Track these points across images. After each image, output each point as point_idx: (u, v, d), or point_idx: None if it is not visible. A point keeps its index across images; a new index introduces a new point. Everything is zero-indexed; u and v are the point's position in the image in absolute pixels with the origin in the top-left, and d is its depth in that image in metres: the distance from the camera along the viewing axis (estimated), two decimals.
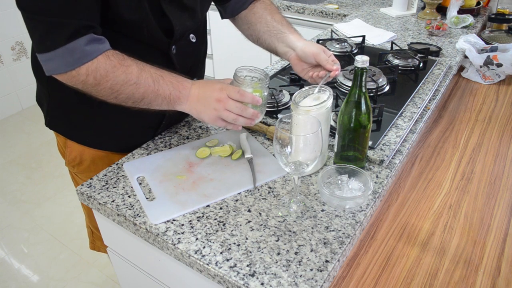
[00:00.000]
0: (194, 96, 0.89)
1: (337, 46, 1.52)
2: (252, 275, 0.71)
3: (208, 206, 0.85)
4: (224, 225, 0.81)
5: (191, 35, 1.04)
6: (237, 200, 0.87)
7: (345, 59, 1.47)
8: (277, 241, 0.77)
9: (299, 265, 0.72)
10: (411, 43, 1.58)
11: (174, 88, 0.88)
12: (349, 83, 1.23)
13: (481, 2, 1.97)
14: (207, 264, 0.73)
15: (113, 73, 0.82)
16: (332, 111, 1.05)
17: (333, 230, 0.79)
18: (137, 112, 0.91)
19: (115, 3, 0.83)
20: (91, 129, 1.05)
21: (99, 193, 0.90)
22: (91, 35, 0.80)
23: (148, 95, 0.86)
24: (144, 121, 1.04)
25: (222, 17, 1.20)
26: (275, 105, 1.14)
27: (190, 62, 1.09)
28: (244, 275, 0.71)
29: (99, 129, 1.05)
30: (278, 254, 0.74)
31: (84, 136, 1.07)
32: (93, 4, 0.80)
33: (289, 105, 1.14)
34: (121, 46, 0.88)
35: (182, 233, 0.79)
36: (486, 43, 1.59)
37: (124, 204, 0.87)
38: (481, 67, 1.47)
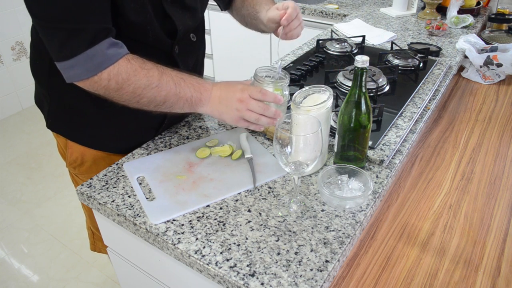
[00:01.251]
0: (215, 97, 0.89)
1: (337, 46, 1.52)
2: (252, 275, 0.71)
3: (208, 206, 0.85)
4: (224, 225, 0.81)
5: (192, 34, 1.05)
6: (237, 200, 0.87)
7: (345, 59, 1.47)
8: (277, 241, 0.77)
9: (299, 265, 0.72)
10: (411, 43, 1.58)
11: (196, 90, 0.88)
12: (349, 83, 1.23)
13: (481, 2, 1.97)
14: (207, 264, 0.73)
15: (134, 77, 0.82)
16: (332, 111, 1.05)
17: (333, 230, 0.79)
18: (139, 113, 0.91)
19: (122, 6, 0.83)
20: (92, 130, 1.05)
21: (99, 193, 0.90)
22: (110, 39, 0.80)
23: (170, 98, 0.86)
24: (145, 121, 1.04)
25: (222, 9, 1.22)
26: None
27: (192, 61, 1.09)
28: (244, 275, 0.71)
29: (101, 130, 1.05)
30: (278, 254, 0.74)
31: (86, 137, 1.07)
32: (107, 7, 0.81)
33: (289, 105, 1.14)
34: (127, 48, 0.88)
35: (182, 233, 0.79)
36: (486, 43, 1.59)
37: (124, 204, 0.87)
38: (481, 67, 1.47)
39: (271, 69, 0.94)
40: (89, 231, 1.31)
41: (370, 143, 0.98)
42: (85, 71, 0.79)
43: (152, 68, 0.85)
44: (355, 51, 1.51)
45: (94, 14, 0.78)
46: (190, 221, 0.82)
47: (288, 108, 1.14)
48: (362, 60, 0.79)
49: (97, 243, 1.31)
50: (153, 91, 0.84)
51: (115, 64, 0.81)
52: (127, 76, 0.82)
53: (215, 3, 1.21)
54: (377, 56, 1.44)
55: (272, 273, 0.71)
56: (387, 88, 1.24)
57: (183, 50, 1.02)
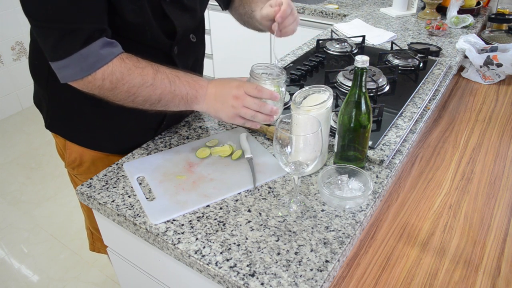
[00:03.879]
0: (211, 94, 0.89)
1: (337, 46, 1.52)
2: (252, 275, 0.71)
3: (208, 206, 0.85)
4: (224, 225, 0.81)
5: (191, 34, 1.04)
6: (237, 200, 0.87)
7: (345, 59, 1.47)
8: (277, 241, 0.77)
9: (299, 265, 0.72)
10: (411, 43, 1.58)
11: (191, 88, 0.88)
12: (349, 83, 1.23)
13: (481, 2, 1.97)
14: (207, 264, 0.73)
15: (129, 76, 0.82)
16: (332, 111, 1.05)
17: (333, 230, 0.79)
18: (137, 113, 0.91)
19: (120, 7, 0.83)
20: (91, 130, 1.05)
21: (99, 193, 0.90)
22: (104, 39, 0.80)
23: (165, 96, 0.86)
24: (144, 122, 1.03)
25: (223, 9, 1.21)
26: None
27: (191, 62, 1.09)
28: (244, 275, 0.71)
29: (100, 131, 1.05)
30: (278, 254, 0.74)
31: (85, 138, 1.07)
32: (103, 7, 0.80)
33: (289, 105, 1.14)
34: (124, 49, 0.87)
35: (182, 233, 0.79)
36: (486, 43, 1.59)
37: (124, 204, 0.87)
38: (481, 67, 1.47)
39: (268, 66, 0.93)
40: (88, 231, 1.31)
41: (370, 143, 0.98)
42: (79, 71, 0.79)
43: (146, 66, 0.84)
44: (355, 51, 1.51)
45: (88, 14, 0.77)
46: (190, 221, 0.82)
47: (288, 107, 1.14)
48: (362, 60, 0.79)
49: (96, 243, 1.31)
50: (148, 90, 0.84)
51: (109, 63, 0.80)
52: (121, 76, 0.81)
53: (216, 3, 1.21)
54: (377, 56, 1.44)
55: (272, 273, 0.71)
56: (387, 88, 1.24)
57: (182, 50, 1.02)
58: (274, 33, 1.05)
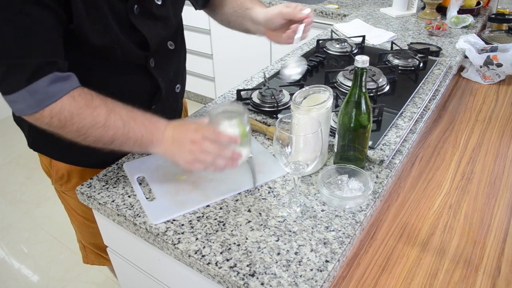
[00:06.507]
0: (168, 138, 0.83)
1: (337, 46, 1.52)
2: (252, 275, 0.71)
3: (208, 206, 0.85)
4: (224, 225, 0.81)
5: (169, 42, 0.99)
6: (237, 200, 0.87)
7: (345, 59, 1.47)
8: (277, 241, 0.77)
9: (299, 265, 0.72)
10: (411, 43, 1.58)
11: (147, 131, 0.82)
12: (349, 83, 1.23)
13: (481, 2, 1.97)
14: (207, 264, 0.73)
15: (78, 116, 0.77)
16: (332, 111, 1.05)
17: (333, 230, 0.79)
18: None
19: (82, 32, 0.78)
20: (77, 148, 0.95)
21: (99, 193, 0.90)
22: (54, 74, 0.75)
23: (117, 138, 0.80)
24: None
25: (196, 9, 1.13)
26: (275, 105, 1.14)
27: (172, 71, 1.04)
28: (244, 275, 0.71)
29: (85, 148, 0.95)
30: (278, 254, 0.74)
31: (70, 156, 1.02)
32: (53, 37, 0.75)
33: (289, 105, 1.14)
34: (95, 68, 0.85)
35: (182, 233, 0.79)
36: (486, 43, 1.59)
37: (124, 204, 0.87)
38: (481, 67, 1.47)
39: (227, 105, 0.87)
40: (80, 244, 1.28)
41: (370, 143, 0.98)
42: (26, 107, 0.75)
43: (99, 105, 0.79)
44: (355, 51, 1.51)
45: (35, 48, 0.73)
46: (190, 221, 0.82)
47: (288, 108, 1.14)
48: (362, 60, 0.79)
49: (89, 256, 1.29)
50: (99, 131, 0.79)
51: (57, 101, 0.75)
52: (70, 115, 0.76)
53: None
54: (377, 56, 1.44)
55: (272, 273, 0.71)
56: (387, 88, 1.24)
57: (160, 62, 0.96)
58: (287, 35, 0.99)
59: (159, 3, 0.90)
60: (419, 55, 1.41)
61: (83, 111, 0.77)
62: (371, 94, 1.19)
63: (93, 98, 0.79)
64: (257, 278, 0.70)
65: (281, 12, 0.97)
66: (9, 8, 0.70)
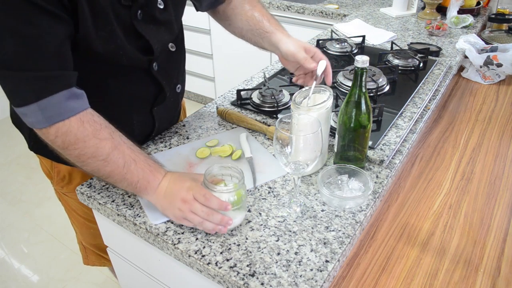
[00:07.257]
0: (162, 189, 0.82)
1: (337, 46, 1.52)
2: (252, 275, 0.71)
3: None
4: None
5: (170, 44, 0.98)
6: None
7: (345, 59, 1.47)
8: (277, 241, 0.77)
9: (299, 265, 0.72)
10: (411, 43, 1.58)
11: (144, 177, 0.81)
12: (349, 83, 1.23)
13: (481, 2, 1.97)
14: (207, 264, 0.73)
15: (83, 143, 0.76)
16: (332, 111, 1.05)
17: (333, 230, 0.79)
18: (123, 130, 0.85)
19: (86, 39, 0.77)
20: None
21: (99, 193, 0.90)
22: (70, 90, 0.74)
23: (114, 176, 0.80)
24: (132, 137, 0.93)
25: (197, 10, 1.09)
26: (275, 105, 1.14)
27: (175, 73, 1.04)
28: (244, 275, 0.71)
29: None
30: (278, 254, 0.74)
31: None
32: (64, 48, 0.74)
33: (289, 105, 1.14)
34: (97, 72, 0.84)
35: (182, 233, 0.79)
36: (486, 43, 1.59)
37: (124, 204, 0.87)
38: (481, 67, 1.47)
39: (224, 167, 0.82)
40: (80, 245, 1.28)
41: (370, 143, 0.98)
42: (36, 122, 0.74)
43: (105, 139, 0.78)
44: (355, 51, 1.51)
45: (46, 61, 0.71)
46: None
47: (288, 107, 1.14)
48: (362, 60, 0.79)
49: (90, 257, 1.29)
50: (99, 163, 0.78)
51: (65, 121, 0.74)
52: (75, 140, 0.75)
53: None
54: (377, 56, 1.44)
55: (272, 273, 0.71)
56: (387, 88, 1.24)
57: (163, 65, 0.96)
58: (283, 64, 1.04)
59: (162, 7, 0.90)
60: (419, 55, 1.41)
61: (88, 139, 0.76)
62: (371, 94, 1.19)
63: (102, 128, 0.78)
64: (257, 278, 0.70)
65: (295, 55, 0.98)
66: (19, 20, 0.68)
